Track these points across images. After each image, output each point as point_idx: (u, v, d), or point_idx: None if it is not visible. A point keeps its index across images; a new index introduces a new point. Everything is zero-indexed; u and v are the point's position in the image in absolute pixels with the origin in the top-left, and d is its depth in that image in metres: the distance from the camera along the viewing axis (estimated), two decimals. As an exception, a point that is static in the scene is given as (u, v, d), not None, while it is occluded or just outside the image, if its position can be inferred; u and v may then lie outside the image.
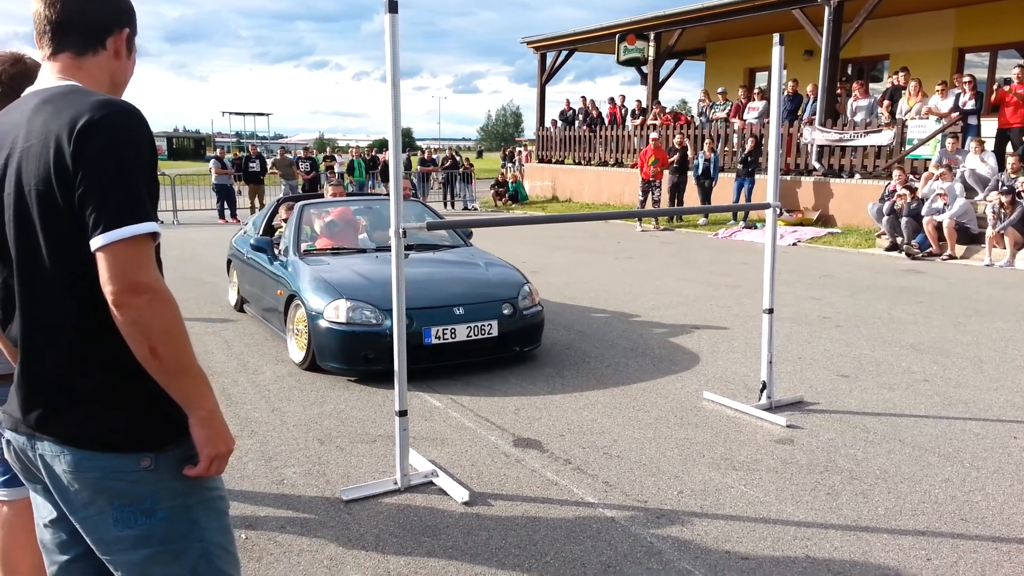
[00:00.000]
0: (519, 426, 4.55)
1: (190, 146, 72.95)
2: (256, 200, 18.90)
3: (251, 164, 18.95)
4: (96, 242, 1.47)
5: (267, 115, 49.93)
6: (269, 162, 20.67)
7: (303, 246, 6.35)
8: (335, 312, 5.31)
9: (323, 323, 5.32)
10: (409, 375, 4.96)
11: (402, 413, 3.67)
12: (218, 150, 20.38)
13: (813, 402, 4.95)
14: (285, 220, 6.98)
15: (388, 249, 6.27)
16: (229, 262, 8.02)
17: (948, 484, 3.73)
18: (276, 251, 6.46)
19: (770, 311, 4.75)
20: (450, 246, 6.82)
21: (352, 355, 5.30)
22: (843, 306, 7.92)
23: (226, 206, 17.93)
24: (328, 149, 23.35)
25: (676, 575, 2.95)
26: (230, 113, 47.20)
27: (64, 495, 1.63)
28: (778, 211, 4.62)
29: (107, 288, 1.48)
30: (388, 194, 7.03)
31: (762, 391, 4.80)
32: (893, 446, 4.21)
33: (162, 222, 1.66)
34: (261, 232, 7.29)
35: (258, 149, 19.96)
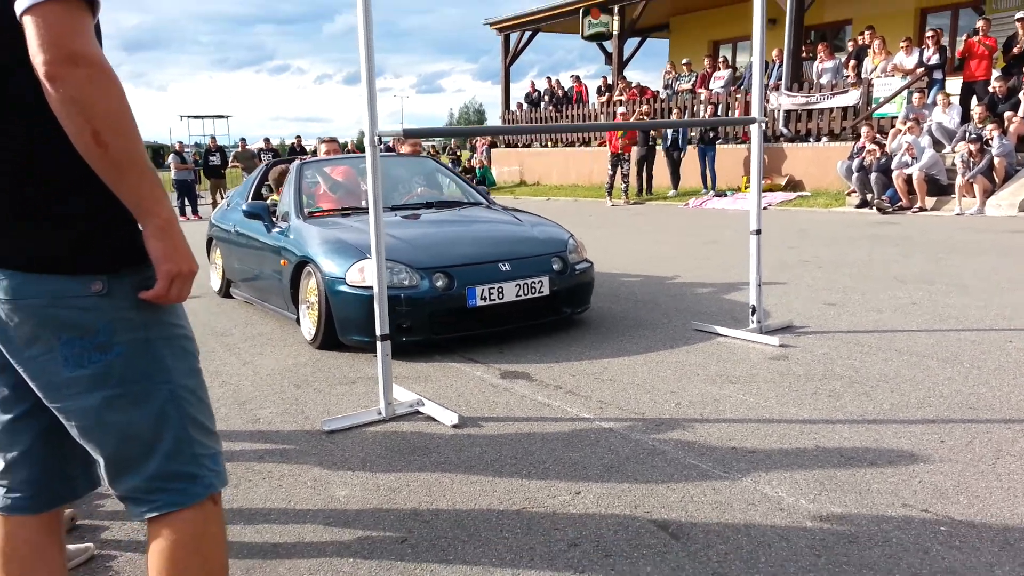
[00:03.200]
0: (504, 362, 4.37)
1: (150, 156, 71.72)
2: (218, 195, 18.46)
3: (211, 157, 18.53)
4: (21, 4, 1.26)
5: (226, 117, 48.37)
6: (230, 155, 20.23)
7: (306, 209, 5.51)
8: (360, 275, 4.49)
9: (345, 289, 4.52)
10: (447, 344, 4.65)
11: (384, 337, 3.47)
12: (176, 144, 19.83)
13: (803, 326, 4.84)
14: (275, 185, 6.20)
15: (407, 208, 5.77)
16: (210, 242, 7.06)
17: (951, 381, 3.63)
18: (273, 218, 5.61)
19: (758, 232, 4.63)
20: (475, 203, 6.05)
21: None
22: (822, 252, 7.86)
23: (187, 203, 17.48)
24: (293, 142, 22.64)
25: (683, 469, 2.80)
26: (188, 117, 45.44)
27: (3, 333, 1.42)
28: (763, 126, 4.49)
29: (38, 59, 1.25)
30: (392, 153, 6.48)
31: (752, 315, 4.68)
32: (890, 355, 4.10)
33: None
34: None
35: (218, 142, 19.49)
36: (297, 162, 5.94)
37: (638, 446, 3.04)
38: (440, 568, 2.23)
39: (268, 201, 6.29)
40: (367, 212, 5.08)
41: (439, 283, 4.51)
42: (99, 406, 1.43)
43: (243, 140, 21.04)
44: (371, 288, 4.21)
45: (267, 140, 20.71)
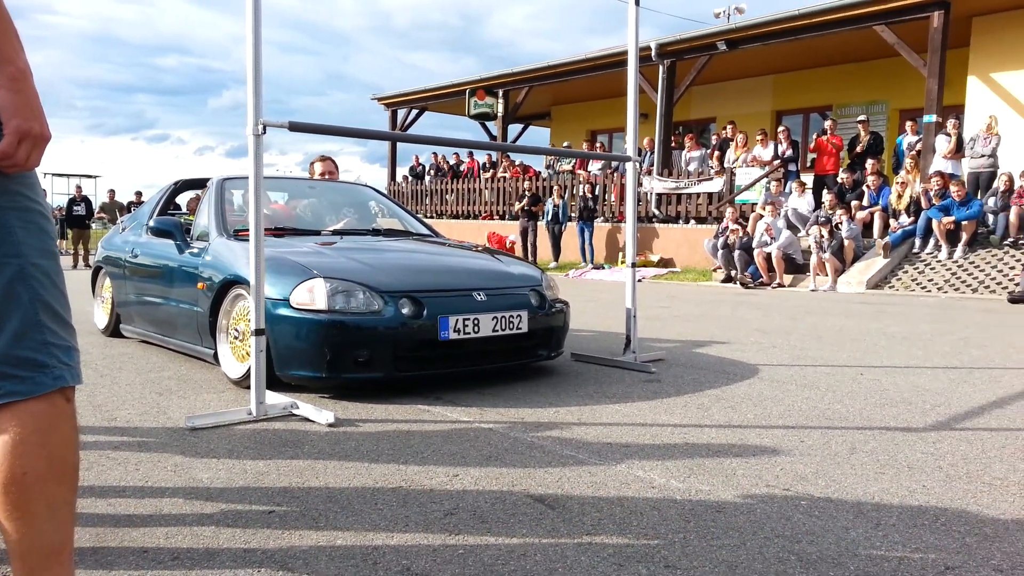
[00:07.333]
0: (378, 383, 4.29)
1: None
2: (80, 247, 17.47)
3: (75, 207, 17.59)
4: None
5: (95, 177, 44.95)
6: (96, 206, 19.26)
7: (232, 227, 4.70)
8: (308, 295, 3.77)
9: (288, 313, 3.77)
10: (410, 385, 4.08)
11: (259, 332, 3.36)
12: (38, 193, 18.63)
13: (674, 360, 5.03)
14: (190, 210, 5.50)
15: (351, 233, 5.12)
16: (97, 271, 6.15)
17: (809, 401, 3.85)
18: (187, 237, 4.88)
19: (633, 265, 4.83)
20: (425, 236, 5.53)
21: (336, 357, 3.72)
22: (690, 311, 8.24)
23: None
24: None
25: (560, 458, 2.82)
26: (52, 175, 41.86)
27: None
28: (638, 167, 4.75)
29: None
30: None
31: (627, 347, 4.82)
32: (753, 382, 4.32)
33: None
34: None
35: (83, 192, 18.52)
36: (217, 176, 5.22)
37: (516, 441, 3.05)
38: (309, 533, 2.13)
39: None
40: (309, 234, 4.89)
41: (405, 310, 3.84)
42: None
43: (112, 191, 20.11)
44: (323, 313, 3.73)
45: (139, 193, 19.67)
